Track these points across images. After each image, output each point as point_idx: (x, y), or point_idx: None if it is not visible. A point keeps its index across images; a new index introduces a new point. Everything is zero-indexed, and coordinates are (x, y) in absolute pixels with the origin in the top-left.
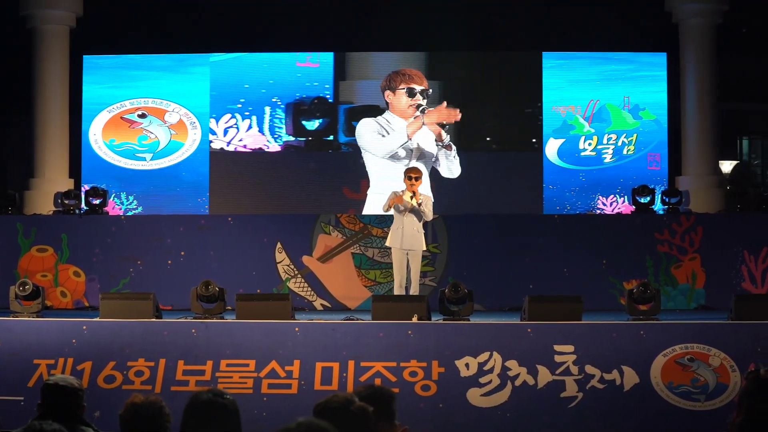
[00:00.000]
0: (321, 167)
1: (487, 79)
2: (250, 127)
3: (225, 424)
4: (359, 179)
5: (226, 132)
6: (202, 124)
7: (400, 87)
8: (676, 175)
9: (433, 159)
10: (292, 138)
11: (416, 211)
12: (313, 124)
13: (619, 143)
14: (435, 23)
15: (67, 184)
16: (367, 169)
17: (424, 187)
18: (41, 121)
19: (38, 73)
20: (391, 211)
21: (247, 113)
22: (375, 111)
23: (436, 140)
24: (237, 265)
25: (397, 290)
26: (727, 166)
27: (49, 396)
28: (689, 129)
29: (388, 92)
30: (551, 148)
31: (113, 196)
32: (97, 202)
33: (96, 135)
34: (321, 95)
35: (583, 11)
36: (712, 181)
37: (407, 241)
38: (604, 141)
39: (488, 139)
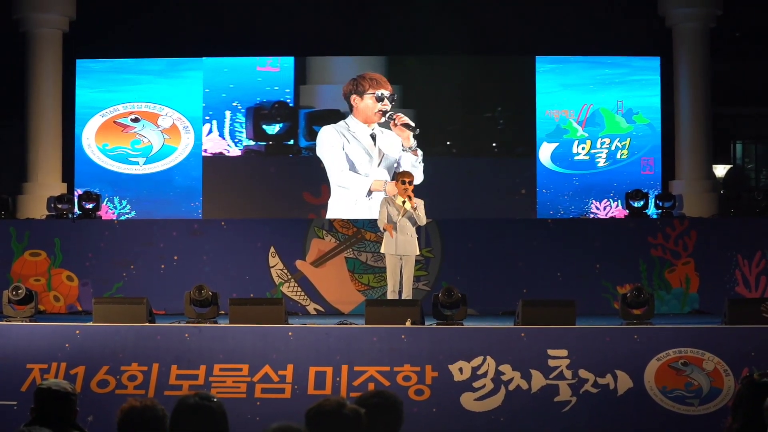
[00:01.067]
0: (281, 172)
1: (480, 84)
2: (210, 131)
3: (212, 427)
4: (320, 184)
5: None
6: (196, 129)
7: (368, 92)
8: (670, 180)
9: (395, 165)
10: (252, 142)
11: (410, 216)
12: (273, 129)
13: (613, 147)
14: (423, 26)
15: (60, 189)
16: (328, 175)
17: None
18: (34, 125)
19: (31, 77)
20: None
21: (207, 118)
22: (336, 115)
23: (402, 145)
24: (230, 270)
25: (390, 295)
26: (720, 170)
27: (42, 400)
28: (683, 133)
29: (354, 96)
30: (545, 153)
31: (106, 200)
32: (90, 206)
33: (89, 139)
34: (282, 99)
35: (576, 15)
36: (706, 185)
37: (401, 247)
38: (598, 145)
39: (480, 143)
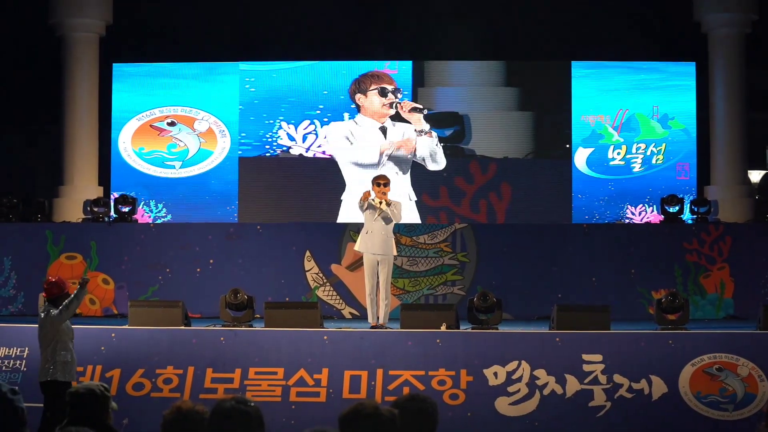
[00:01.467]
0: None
1: (516, 88)
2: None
3: (248, 431)
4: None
5: (305, 138)
6: (232, 133)
7: (371, 88)
8: (705, 185)
9: (410, 157)
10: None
11: (385, 217)
12: None
13: (648, 153)
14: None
15: (97, 192)
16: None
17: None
18: (70, 128)
19: (67, 81)
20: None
21: (326, 119)
22: (454, 117)
23: (415, 129)
24: (266, 274)
25: (368, 299)
26: (756, 175)
27: (75, 402)
28: (718, 138)
29: (358, 95)
30: (580, 158)
31: (142, 203)
32: (126, 209)
33: (125, 143)
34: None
35: (612, 21)
36: (741, 190)
37: (377, 246)
38: (633, 150)
39: (518, 148)
